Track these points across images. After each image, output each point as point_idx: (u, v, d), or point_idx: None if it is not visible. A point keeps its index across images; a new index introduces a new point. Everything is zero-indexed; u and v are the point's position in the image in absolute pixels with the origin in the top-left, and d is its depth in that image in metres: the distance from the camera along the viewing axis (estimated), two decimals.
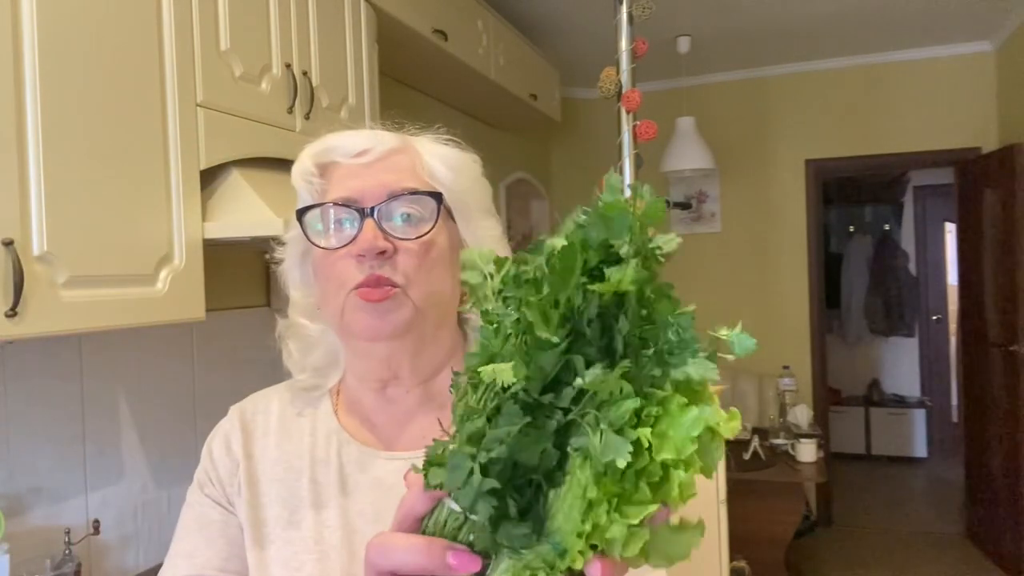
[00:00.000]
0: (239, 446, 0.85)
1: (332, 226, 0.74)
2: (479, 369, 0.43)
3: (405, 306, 0.73)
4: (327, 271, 0.75)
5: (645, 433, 0.41)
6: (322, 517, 0.78)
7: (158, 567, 1.71)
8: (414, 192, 0.75)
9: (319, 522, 0.78)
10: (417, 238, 0.73)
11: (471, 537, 0.42)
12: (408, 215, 0.74)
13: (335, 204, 0.74)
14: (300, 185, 0.79)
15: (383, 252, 0.71)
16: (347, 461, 0.80)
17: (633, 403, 0.41)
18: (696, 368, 0.46)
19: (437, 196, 0.75)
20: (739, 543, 2.42)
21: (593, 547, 0.40)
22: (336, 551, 0.76)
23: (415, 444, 0.77)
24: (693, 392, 0.44)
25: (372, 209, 0.73)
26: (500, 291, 0.47)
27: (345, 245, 0.73)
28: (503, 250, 0.77)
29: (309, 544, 0.77)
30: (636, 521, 0.40)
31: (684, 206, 4.63)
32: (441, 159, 0.80)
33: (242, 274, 2.06)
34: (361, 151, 0.78)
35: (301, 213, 0.76)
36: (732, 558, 2.25)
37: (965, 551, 4.18)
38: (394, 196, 0.73)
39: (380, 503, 0.76)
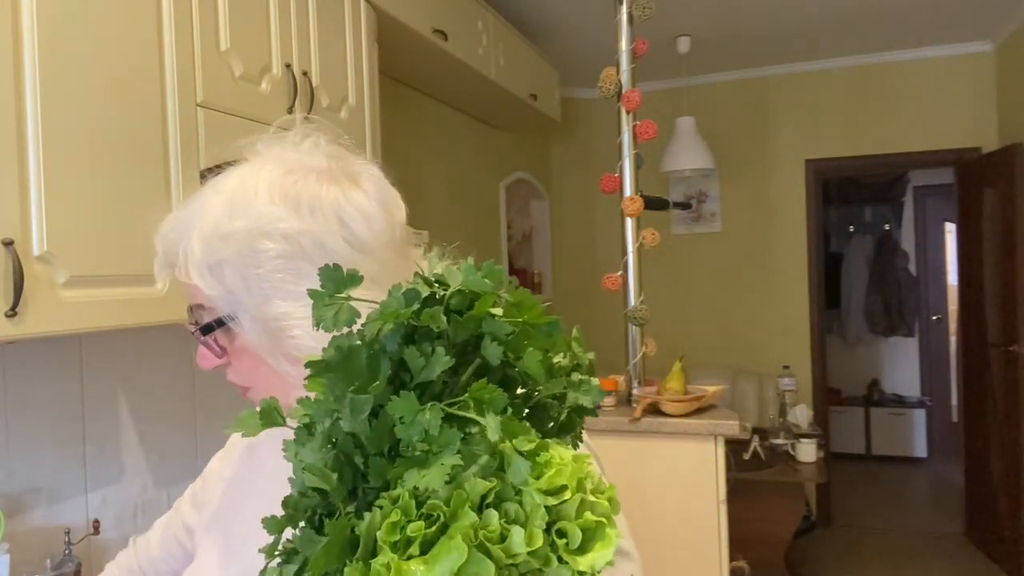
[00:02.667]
0: None
1: None
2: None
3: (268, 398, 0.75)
4: None
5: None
6: None
7: None
8: (190, 322, 0.74)
9: None
10: (220, 359, 0.74)
11: None
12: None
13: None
14: None
15: (217, 364, 0.74)
16: None
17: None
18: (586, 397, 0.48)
19: (202, 328, 0.72)
20: (739, 543, 2.42)
21: None
22: None
23: None
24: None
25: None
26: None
27: None
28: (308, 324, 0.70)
29: None
30: None
31: (684, 206, 4.63)
32: (203, 265, 0.69)
33: None
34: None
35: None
36: (732, 558, 2.25)
37: (965, 551, 4.18)
38: (188, 321, 0.74)
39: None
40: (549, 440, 0.45)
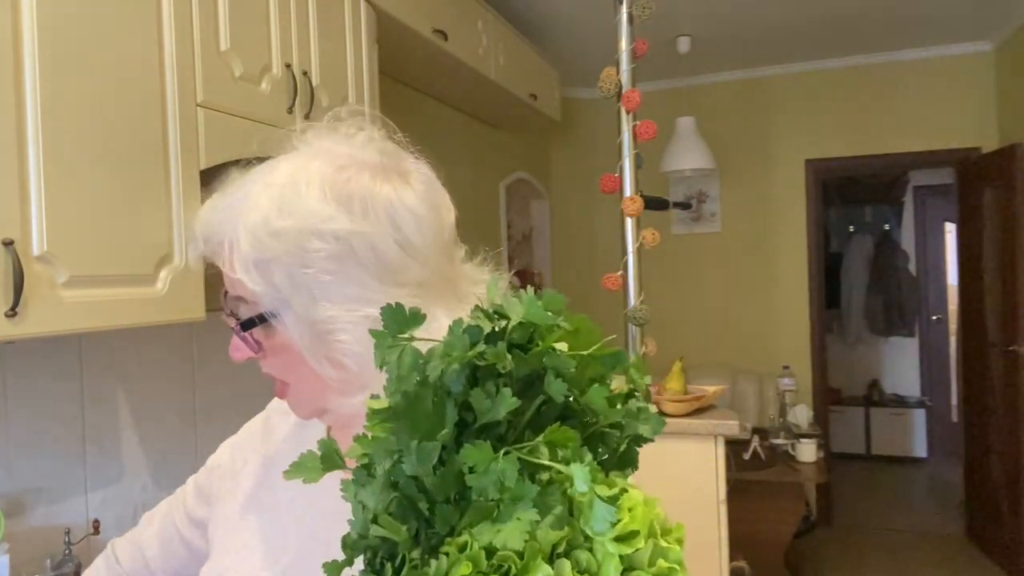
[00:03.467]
0: None
1: None
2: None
3: (300, 402, 0.74)
4: None
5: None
6: None
7: None
8: (228, 315, 0.71)
9: None
10: (257, 354, 0.72)
11: None
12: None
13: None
14: None
15: (248, 358, 0.72)
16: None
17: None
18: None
19: (243, 323, 0.69)
20: (739, 543, 2.42)
21: None
22: None
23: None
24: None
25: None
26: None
27: None
28: (355, 327, 0.66)
29: None
30: None
31: (684, 206, 4.63)
32: (249, 260, 0.66)
33: None
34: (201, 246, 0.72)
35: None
36: (732, 558, 2.25)
37: (965, 551, 4.18)
38: (224, 310, 0.72)
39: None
40: (621, 480, 0.44)
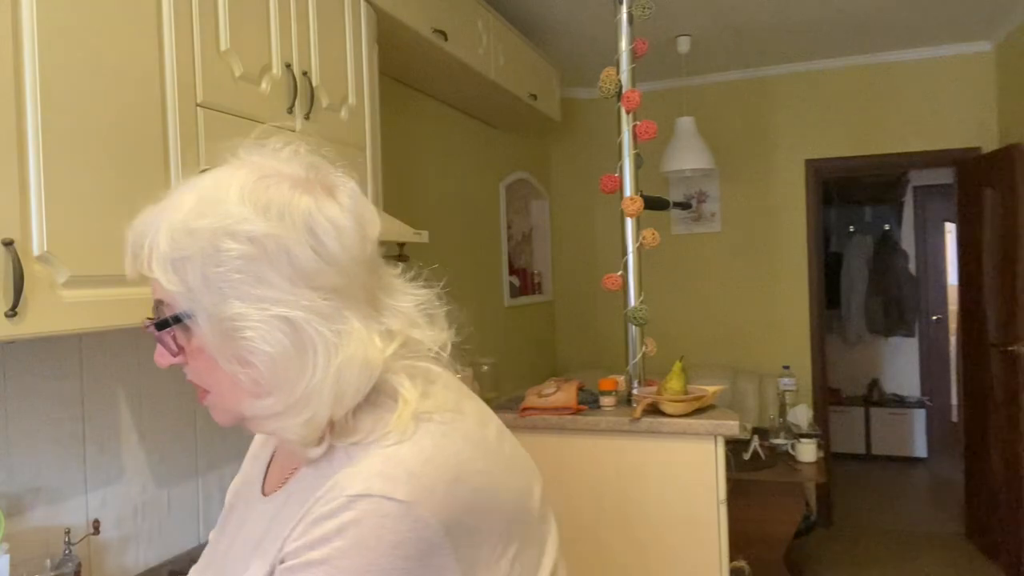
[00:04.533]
0: None
1: None
2: None
3: (217, 407, 0.75)
4: None
5: None
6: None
7: (158, 567, 1.71)
8: (149, 318, 0.73)
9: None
10: (176, 358, 0.73)
11: None
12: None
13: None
14: None
15: (171, 365, 0.74)
16: (252, 483, 0.87)
17: None
18: None
19: (157, 323, 0.72)
20: (739, 543, 2.42)
21: None
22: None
23: (274, 485, 0.80)
24: None
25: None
26: None
27: None
28: (264, 329, 0.67)
29: None
30: None
31: (684, 206, 4.63)
32: (167, 259, 0.69)
33: None
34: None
35: None
36: (732, 558, 2.25)
37: (965, 551, 4.18)
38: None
39: (236, 534, 0.82)
40: None
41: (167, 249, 0.69)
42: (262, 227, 0.68)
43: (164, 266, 0.69)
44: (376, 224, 0.76)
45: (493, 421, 0.79)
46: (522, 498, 0.75)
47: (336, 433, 0.71)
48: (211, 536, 0.90)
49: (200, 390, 0.75)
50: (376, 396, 0.72)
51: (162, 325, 0.71)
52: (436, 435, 0.69)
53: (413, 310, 0.77)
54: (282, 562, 0.66)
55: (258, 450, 0.90)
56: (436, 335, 0.78)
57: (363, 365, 0.69)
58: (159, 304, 0.72)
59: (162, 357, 0.74)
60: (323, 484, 0.67)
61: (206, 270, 0.67)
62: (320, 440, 0.71)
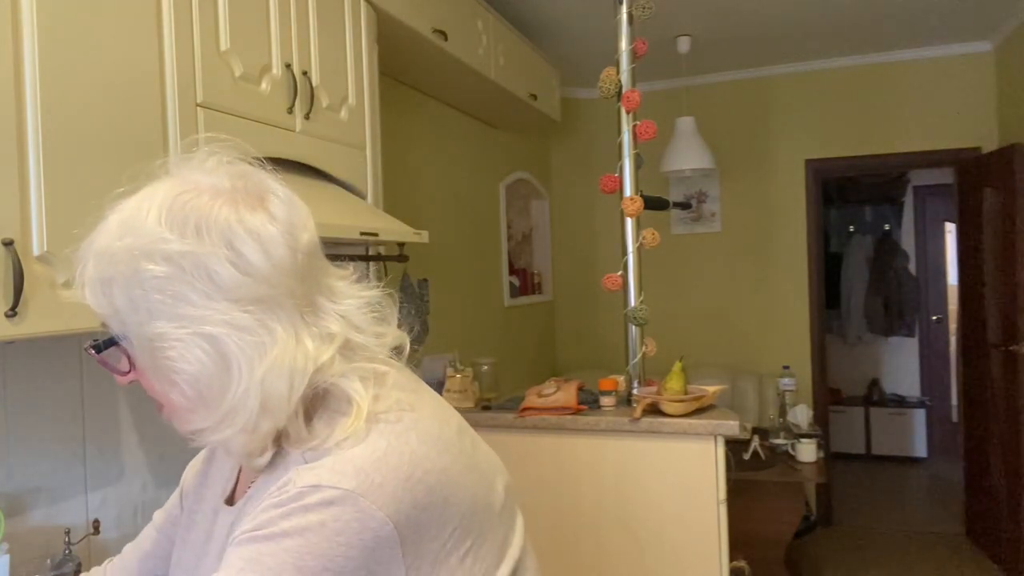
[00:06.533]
0: None
1: None
2: None
3: (174, 420, 0.76)
4: None
5: None
6: None
7: None
8: (91, 339, 0.74)
9: None
10: (123, 376, 0.75)
11: None
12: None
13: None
14: None
15: (132, 380, 0.75)
16: (219, 488, 0.87)
17: None
18: None
19: (93, 345, 0.74)
20: (739, 543, 2.42)
21: None
22: None
23: (239, 495, 0.82)
24: None
25: None
26: None
27: None
28: (186, 346, 0.69)
29: None
30: None
31: (684, 206, 4.63)
32: (95, 281, 0.71)
33: None
34: None
35: None
36: (732, 558, 2.25)
37: (965, 551, 4.18)
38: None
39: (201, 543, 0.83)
40: None
41: (93, 273, 0.70)
42: (177, 246, 0.68)
43: (93, 289, 0.70)
44: (309, 229, 0.75)
45: (454, 418, 0.80)
46: (482, 494, 0.75)
47: (292, 440, 0.72)
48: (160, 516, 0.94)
49: (157, 404, 0.76)
50: (330, 401, 0.72)
51: (97, 348, 0.73)
52: (389, 435, 0.70)
53: (356, 312, 0.76)
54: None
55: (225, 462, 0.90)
56: (385, 336, 0.78)
57: (289, 373, 0.69)
58: (102, 326, 0.73)
59: (116, 376, 0.75)
60: (274, 483, 0.69)
61: (129, 292, 0.69)
62: (264, 450, 0.72)
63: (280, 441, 0.73)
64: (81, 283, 0.72)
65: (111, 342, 0.72)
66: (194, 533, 0.85)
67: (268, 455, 0.72)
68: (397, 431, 0.71)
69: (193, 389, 0.69)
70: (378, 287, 0.79)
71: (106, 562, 1.01)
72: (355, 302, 0.77)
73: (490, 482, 0.78)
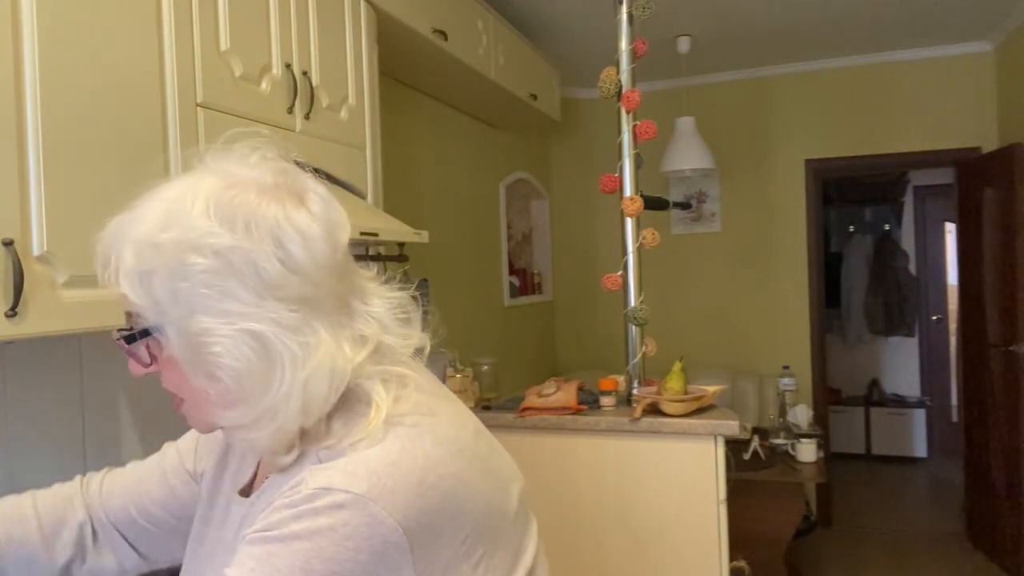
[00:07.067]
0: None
1: None
2: None
3: (191, 416, 0.76)
4: None
5: None
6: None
7: (158, 567, 1.70)
8: (120, 328, 0.74)
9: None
10: (147, 367, 0.74)
11: None
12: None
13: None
14: None
15: (148, 372, 0.75)
16: (236, 478, 0.87)
17: None
18: None
19: (125, 336, 0.72)
20: (739, 543, 2.42)
21: None
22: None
23: (255, 487, 0.82)
24: None
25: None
26: None
27: None
28: (230, 344, 0.67)
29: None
30: None
31: (684, 206, 4.63)
32: (133, 273, 0.69)
33: None
34: None
35: None
36: (732, 558, 2.25)
37: (965, 551, 4.18)
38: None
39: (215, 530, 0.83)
40: None
41: (133, 263, 0.68)
42: (227, 240, 0.67)
43: (130, 280, 0.69)
44: (346, 230, 0.75)
45: (471, 422, 0.79)
46: (497, 500, 0.75)
47: (309, 439, 0.71)
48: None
49: (176, 398, 0.76)
50: (350, 402, 0.71)
51: (130, 339, 0.72)
52: (405, 439, 0.69)
53: (386, 314, 0.76)
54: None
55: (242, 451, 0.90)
56: (411, 338, 0.77)
57: (330, 375, 0.69)
58: (129, 316, 0.72)
59: (135, 367, 0.75)
60: (289, 481, 0.68)
61: (172, 284, 0.67)
62: (290, 448, 0.71)
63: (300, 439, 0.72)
64: (114, 273, 0.70)
65: (145, 333, 0.70)
66: (211, 527, 0.85)
67: (295, 454, 0.71)
68: (412, 435, 0.70)
69: (237, 385, 0.68)
70: (403, 288, 0.79)
71: (104, 470, 1.00)
72: (384, 303, 0.76)
73: (506, 488, 0.77)
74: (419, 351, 0.78)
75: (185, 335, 0.68)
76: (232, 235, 0.67)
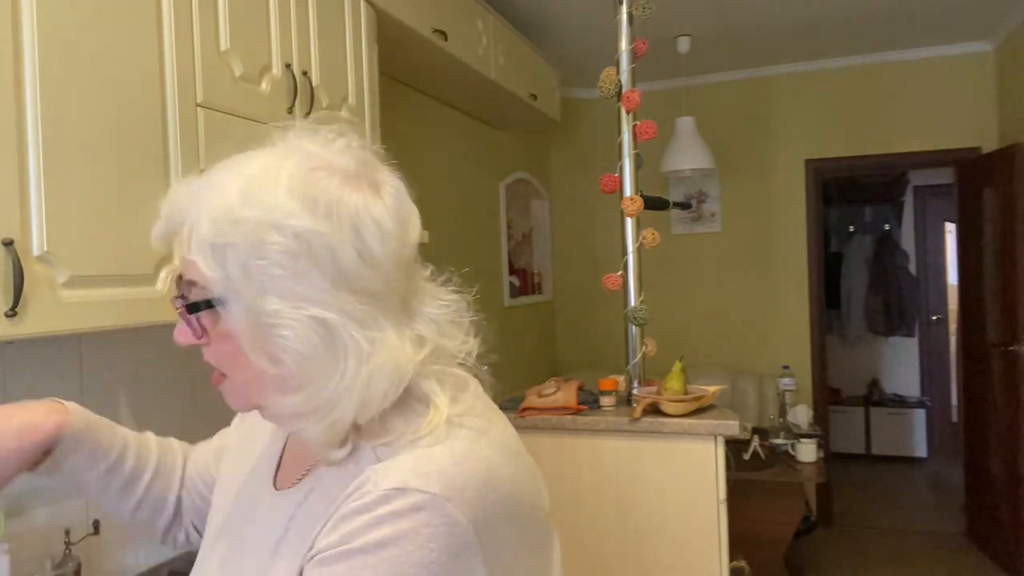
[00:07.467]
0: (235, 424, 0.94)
1: None
2: None
3: (233, 392, 0.74)
4: None
5: None
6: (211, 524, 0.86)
7: (158, 567, 1.71)
8: (175, 295, 0.71)
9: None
10: (199, 338, 0.71)
11: None
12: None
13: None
14: None
15: (194, 343, 0.72)
16: (264, 470, 0.85)
17: None
18: None
19: (188, 305, 0.69)
20: (739, 543, 2.42)
21: None
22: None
23: (288, 480, 0.78)
24: None
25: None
26: None
27: None
28: (300, 329, 0.66)
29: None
30: None
31: (684, 206, 4.63)
32: (206, 244, 0.67)
33: None
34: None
35: None
36: (732, 558, 2.25)
37: (965, 551, 4.18)
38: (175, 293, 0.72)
39: (246, 522, 0.80)
40: None
41: (209, 234, 0.66)
42: (309, 223, 0.65)
43: (204, 250, 0.66)
44: (417, 227, 0.74)
45: (510, 427, 0.79)
46: (538, 503, 0.75)
47: (363, 434, 0.70)
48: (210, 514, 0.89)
49: (216, 373, 0.74)
50: (407, 400, 0.70)
51: (193, 308, 0.69)
52: (467, 440, 0.68)
53: (443, 316, 0.75)
54: (312, 559, 0.65)
55: (267, 439, 0.88)
56: (466, 343, 0.76)
57: (393, 373, 0.67)
58: (190, 284, 0.69)
59: (183, 336, 0.71)
60: (350, 481, 0.66)
61: (248, 261, 0.65)
62: (344, 442, 0.69)
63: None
64: (187, 241, 0.68)
65: (208, 304, 0.68)
66: (235, 521, 0.82)
67: (348, 448, 0.69)
68: (472, 436, 0.69)
69: (300, 370, 0.66)
70: (458, 291, 0.78)
71: (179, 445, 0.99)
72: (442, 304, 0.75)
73: (542, 493, 0.77)
74: (468, 356, 0.76)
75: (252, 314, 0.66)
76: (314, 219, 0.65)
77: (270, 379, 0.68)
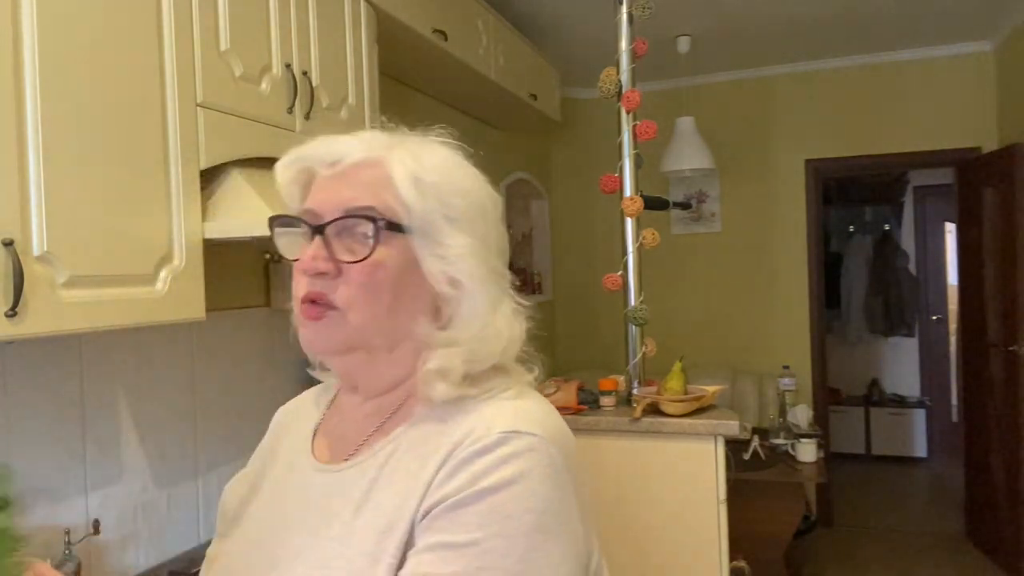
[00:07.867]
0: (267, 438, 0.94)
1: (297, 237, 0.77)
2: None
3: (341, 328, 0.74)
4: (292, 280, 0.77)
5: None
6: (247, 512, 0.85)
7: (158, 567, 1.71)
8: (356, 215, 0.73)
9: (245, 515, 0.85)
10: (359, 260, 0.73)
11: None
12: (354, 236, 0.74)
13: (295, 217, 0.77)
14: (281, 191, 0.82)
15: (325, 272, 0.73)
16: (292, 460, 0.84)
17: None
18: None
19: (377, 220, 0.73)
20: (739, 543, 2.42)
21: None
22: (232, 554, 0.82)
23: (342, 454, 0.79)
24: None
25: (321, 227, 0.74)
26: None
27: (298, 259, 0.75)
28: (474, 264, 0.76)
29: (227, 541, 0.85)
30: None
31: (684, 206, 4.63)
32: (411, 176, 0.74)
33: (242, 274, 2.06)
34: (333, 161, 0.78)
35: (272, 221, 0.79)
36: (732, 558, 2.25)
37: (965, 551, 4.18)
38: (342, 216, 0.74)
39: (291, 510, 0.79)
40: None
41: (416, 169, 0.75)
42: (494, 195, 0.80)
43: (408, 181, 0.74)
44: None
45: None
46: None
47: (472, 382, 0.75)
48: (211, 546, 0.87)
49: (321, 306, 0.73)
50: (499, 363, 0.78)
51: (392, 227, 0.73)
52: (543, 403, 0.77)
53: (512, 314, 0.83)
54: (428, 513, 0.67)
55: (292, 431, 0.88)
56: (523, 339, 0.82)
57: (509, 340, 0.76)
58: (367, 209, 0.73)
59: (319, 262, 0.73)
60: (450, 431, 0.71)
61: (447, 199, 0.75)
62: (458, 384, 0.74)
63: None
64: (388, 164, 0.75)
65: (394, 227, 0.73)
66: (280, 502, 0.80)
67: (455, 391, 0.74)
68: (541, 398, 0.78)
69: (473, 295, 0.74)
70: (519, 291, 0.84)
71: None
72: (511, 301, 0.81)
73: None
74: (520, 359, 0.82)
75: (440, 245, 0.74)
76: (492, 195, 0.80)
77: (425, 306, 0.75)
